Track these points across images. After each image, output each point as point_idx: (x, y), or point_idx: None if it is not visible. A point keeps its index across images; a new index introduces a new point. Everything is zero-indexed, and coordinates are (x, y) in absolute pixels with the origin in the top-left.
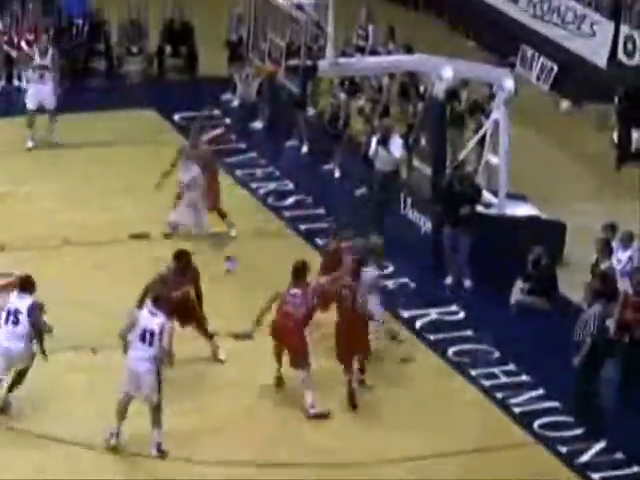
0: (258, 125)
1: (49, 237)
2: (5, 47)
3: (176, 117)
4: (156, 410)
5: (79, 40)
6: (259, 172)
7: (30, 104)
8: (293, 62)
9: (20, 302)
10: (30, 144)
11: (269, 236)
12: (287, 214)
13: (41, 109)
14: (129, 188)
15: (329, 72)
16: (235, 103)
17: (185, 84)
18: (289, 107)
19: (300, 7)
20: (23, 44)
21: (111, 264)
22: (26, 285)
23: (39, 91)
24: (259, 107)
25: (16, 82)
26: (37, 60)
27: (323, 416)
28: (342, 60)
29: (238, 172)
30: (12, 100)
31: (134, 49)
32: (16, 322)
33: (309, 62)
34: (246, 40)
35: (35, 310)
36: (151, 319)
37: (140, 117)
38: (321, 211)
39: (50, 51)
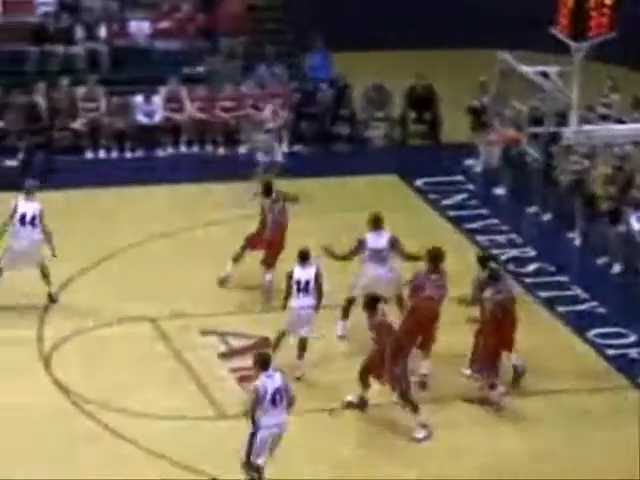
0: (500, 191)
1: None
2: (249, 111)
3: (418, 182)
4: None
5: (324, 105)
6: (501, 238)
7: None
8: (536, 129)
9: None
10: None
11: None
12: (528, 281)
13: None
14: None
15: (573, 140)
16: (478, 169)
17: (428, 149)
18: (532, 174)
19: (545, 74)
20: (268, 108)
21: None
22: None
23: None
24: (501, 173)
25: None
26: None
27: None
28: (586, 128)
29: (479, 238)
30: None
31: (378, 114)
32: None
33: (553, 129)
34: (489, 106)
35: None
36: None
37: (382, 182)
38: (564, 279)
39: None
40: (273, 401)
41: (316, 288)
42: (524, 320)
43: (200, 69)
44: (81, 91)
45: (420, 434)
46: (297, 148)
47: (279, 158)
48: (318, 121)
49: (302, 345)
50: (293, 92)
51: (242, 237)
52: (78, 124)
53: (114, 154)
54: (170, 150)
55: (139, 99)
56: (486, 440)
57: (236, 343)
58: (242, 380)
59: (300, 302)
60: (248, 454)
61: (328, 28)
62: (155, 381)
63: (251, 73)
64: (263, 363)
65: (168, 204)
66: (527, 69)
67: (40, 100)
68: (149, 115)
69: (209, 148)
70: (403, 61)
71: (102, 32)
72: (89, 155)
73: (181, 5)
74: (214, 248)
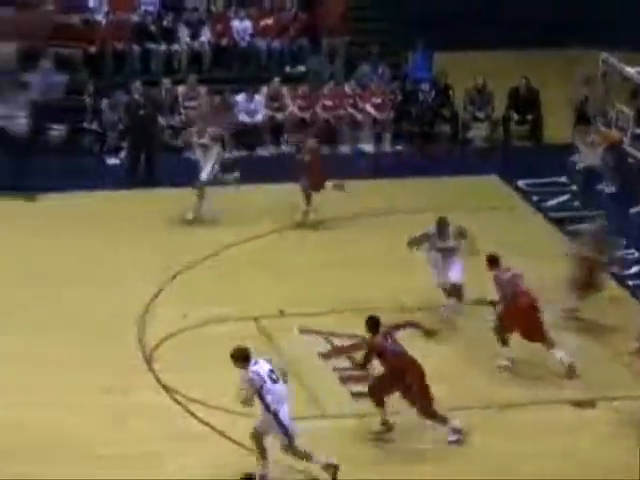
0: (604, 192)
1: (384, 301)
2: (349, 110)
3: (520, 183)
4: None
5: (425, 105)
6: None
7: None
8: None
9: None
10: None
11: (610, 303)
12: (630, 282)
13: None
14: None
15: None
16: (579, 167)
17: (530, 150)
18: (633, 174)
19: None
20: (368, 107)
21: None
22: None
23: None
24: (603, 173)
25: (362, 146)
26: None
27: None
28: None
29: None
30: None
31: (479, 115)
32: None
33: None
34: (591, 106)
35: None
36: None
37: (482, 183)
38: None
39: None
40: (272, 380)
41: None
42: (627, 323)
43: (302, 68)
44: (182, 90)
45: (452, 437)
46: (398, 147)
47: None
48: (419, 121)
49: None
50: (395, 92)
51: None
52: (178, 122)
53: None
54: (271, 149)
55: (241, 98)
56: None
57: (337, 342)
58: (343, 379)
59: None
60: (287, 434)
61: (430, 27)
62: None
63: (353, 72)
64: (244, 358)
65: (266, 203)
66: (632, 71)
67: (140, 99)
68: (251, 114)
69: None
70: (505, 61)
71: (205, 31)
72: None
73: (283, 4)
74: (318, 247)
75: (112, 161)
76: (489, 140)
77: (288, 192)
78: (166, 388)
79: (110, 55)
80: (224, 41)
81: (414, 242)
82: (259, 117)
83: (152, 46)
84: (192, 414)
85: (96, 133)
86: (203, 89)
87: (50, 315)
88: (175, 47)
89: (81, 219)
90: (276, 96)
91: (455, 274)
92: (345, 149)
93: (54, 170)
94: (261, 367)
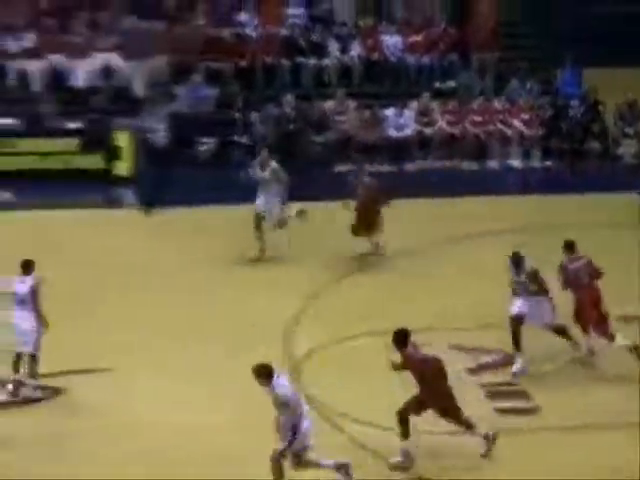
0: None
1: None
2: (499, 125)
3: None
4: None
5: (575, 121)
6: None
7: None
8: None
9: None
10: None
11: None
12: None
13: None
14: None
15: None
16: None
17: None
18: None
19: None
20: (517, 123)
21: None
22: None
23: None
24: None
25: (511, 161)
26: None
27: None
28: None
29: None
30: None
31: (629, 131)
32: None
33: None
34: None
35: None
36: None
37: (631, 200)
38: None
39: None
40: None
41: None
42: None
43: (452, 83)
44: (330, 104)
45: (481, 449)
46: (547, 163)
47: None
48: (569, 137)
49: None
50: (544, 107)
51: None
52: (327, 137)
53: None
54: (419, 163)
55: (390, 112)
56: None
57: (485, 359)
58: (491, 396)
59: None
60: (290, 441)
61: (580, 44)
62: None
63: (503, 88)
64: (268, 374)
65: (417, 217)
66: None
67: (291, 112)
68: (400, 129)
69: (457, 162)
70: None
71: (355, 46)
72: (339, 168)
73: (432, 20)
74: (470, 263)
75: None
76: (639, 157)
77: (436, 205)
78: (312, 401)
79: (260, 69)
80: (374, 56)
81: None
82: (408, 131)
83: (302, 60)
84: (338, 428)
85: (246, 146)
86: (352, 103)
87: (196, 326)
88: (325, 61)
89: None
90: (426, 111)
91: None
92: (494, 164)
93: (202, 183)
94: (284, 380)
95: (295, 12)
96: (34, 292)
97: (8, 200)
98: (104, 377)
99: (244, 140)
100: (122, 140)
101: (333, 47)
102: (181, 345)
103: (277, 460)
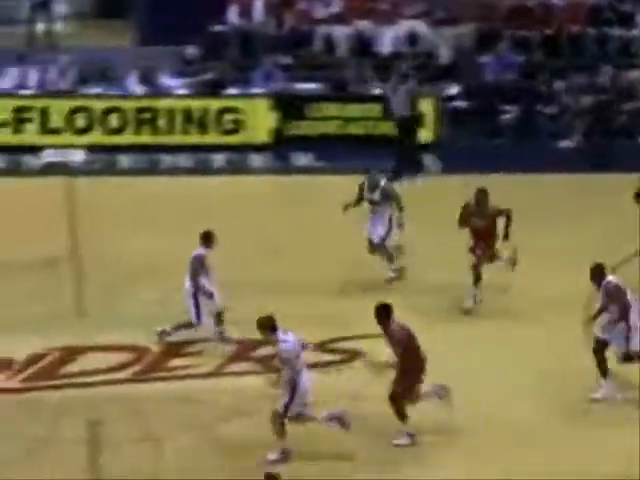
0: None
1: None
2: None
3: None
4: None
5: None
6: None
7: None
8: None
9: None
10: None
11: None
12: None
13: None
14: None
15: None
16: None
17: None
18: None
19: None
20: None
21: None
22: None
23: None
24: None
25: None
26: None
27: None
28: None
29: None
30: None
31: None
32: None
33: None
34: None
35: None
36: None
37: None
38: None
39: None
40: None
41: None
42: None
43: None
44: (637, 74)
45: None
46: None
47: None
48: None
49: None
50: None
51: None
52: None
53: None
54: None
55: None
56: None
57: None
58: None
59: None
60: (288, 405)
61: None
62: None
63: None
64: (272, 326)
65: None
66: None
67: (606, 82)
68: None
69: None
70: None
71: None
72: None
73: None
74: None
75: (565, 144)
76: None
77: None
78: None
79: (565, 38)
80: None
81: None
82: None
83: (607, 30)
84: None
85: (550, 115)
86: None
87: None
88: (633, 32)
89: None
90: None
91: None
92: None
93: (505, 151)
94: (289, 335)
95: None
96: None
97: (309, 165)
98: None
99: (548, 109)
100: (426, 107)
101: None
102: None
103: (278, 419)
